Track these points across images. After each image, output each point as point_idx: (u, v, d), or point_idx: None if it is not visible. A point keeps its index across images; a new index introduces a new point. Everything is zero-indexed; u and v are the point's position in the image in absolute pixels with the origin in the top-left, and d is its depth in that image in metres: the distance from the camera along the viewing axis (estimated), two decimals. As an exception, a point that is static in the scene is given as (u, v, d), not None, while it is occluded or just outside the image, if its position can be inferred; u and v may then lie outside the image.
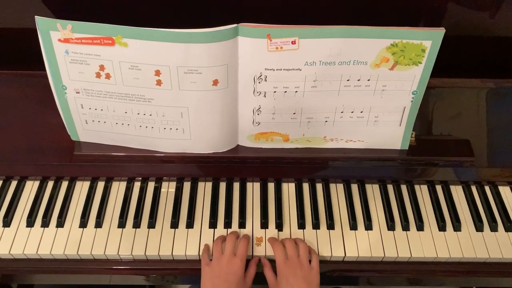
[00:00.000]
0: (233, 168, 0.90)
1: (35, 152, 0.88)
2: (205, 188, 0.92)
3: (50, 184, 0.91)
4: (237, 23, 0.67)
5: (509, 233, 0.87)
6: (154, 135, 0.83)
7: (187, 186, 0.92)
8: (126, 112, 0.80)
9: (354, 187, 0.93)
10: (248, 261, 0.81)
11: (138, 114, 0.80)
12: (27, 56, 0.76)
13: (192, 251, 0.82)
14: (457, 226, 0.87)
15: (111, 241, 0.83)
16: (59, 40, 0.70)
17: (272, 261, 0.81)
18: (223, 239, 0.82)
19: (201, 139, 0.84)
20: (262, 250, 0.83)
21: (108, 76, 0.74)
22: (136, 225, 0.86)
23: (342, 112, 0.81)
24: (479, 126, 0.89)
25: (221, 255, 0.79)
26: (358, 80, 0.76)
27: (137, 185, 0.92)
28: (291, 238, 0.84)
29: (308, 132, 0.85)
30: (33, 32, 0.69)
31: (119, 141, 0.86)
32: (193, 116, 0.79)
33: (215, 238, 0.84)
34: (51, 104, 0.80)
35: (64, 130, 0.85)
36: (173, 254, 0.82)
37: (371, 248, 0.84)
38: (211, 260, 0.80)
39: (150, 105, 0.78)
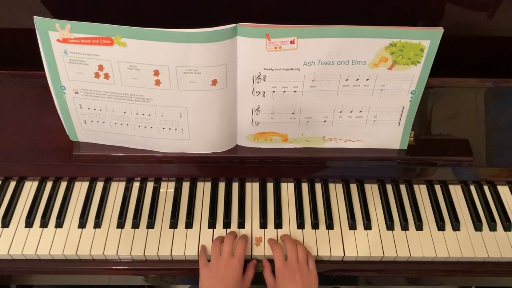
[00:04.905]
0: (232, 168, 0.90)
1: (33, 152, 0.87)
2: (204, 188, 0.91)
3: (49, 185, 0.91)
4: (236, 23, 0.68)
5: (508, 232, 0.87)
6: (153, 135, 0.83)
7: (186, 186, 0.92)
8: (125, 112, 0.80)
9: (353, 187, 0.93)
10: (247, 262, 0.81)
11: (137, 114, 0.80)
12: (25, 56, 0.76)
13: (191, 251, 0.82)
14: (456, 226, 0.87)
15: (110, 242, 0.83)
16: (58, 40, 0.70)
17: (271, 261, 0.80)
18: (221, 240, 0.82)
19: (200, 139, 0.84)
20: (261, 250, 0.83)
21: (107, 76, 0.74)
22: (135, 225, 0.85)
23: (341, 112, 0.81)
24: (478, 125, 0.89)
25: (219, 256, 0.79)
26: (357, 80, 0.76)
27: (136, 185, 0.92)
28: (290, 237, 0.84)
29: (307, 132, 0.85)
30: (32, 32, 0.69)
31: (118, 141, 0.86)
32: (192, 116, 0.79)
33: (214, 239, 0.84)
34: (49, 104, 0.80)
35: (63, 130, 0.85)
36: (172, 254, 0.82)
37: (370, 247, 0.84)
38: (209, 261, 0.80)
39: (149, 105, 0.78)
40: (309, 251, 0.82)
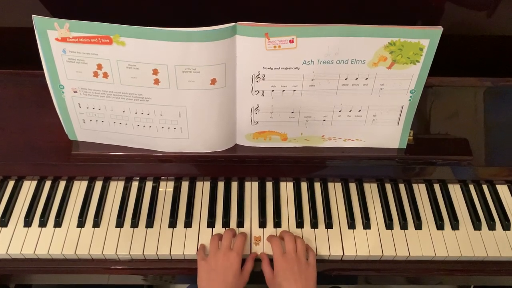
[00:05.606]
0: (231, 167, 0.90)
1: (32, 151, 0.87)
2: (203, 188, 0.91)
3: (48, 184, 0.91)
4: (235, 22, 0.67)
5: (506, 231, 0.87)
6: (152, 134, 0.83)
7: (185, 185, 0.92)
8: (123, 111, 0.80)
9: (352, 186, 0.93)
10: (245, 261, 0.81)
11: (136, 113, 0.79)
12: (24, 55, 0.76)
13: (190, 251, 0.82)
14: (455, 225, 0.87)
15: (109, 241, 0.83)
16: (57, 39, 0.69)
17: (271, 259, 0.80)
18: (220, 236, 0.82)
19: (199, 138, 0.84)
20: (260, 249, 0.83)
21: (105, 75, 0.73)
22: (134, 224, 0.85)
23: (340, 111, 0.81)
24: (477, 125, 0.89)
25: (218, 250, 0.79)
26: (356, 79, 0.76)
27: (135, 184, 0.92)
28: (289, 232, 0.84)
29: (306, 131, 0.85)
30: (31, 32, 0.69)
31: (117, 141, 0.86)
32: (191, 115, 0.79)
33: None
34: (48, 103, 0.80)
35: (62, 129, 0.85)
36: (171, 253, 0.82)
37: (369, 247, 0.84)
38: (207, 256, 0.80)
39: (148, 104, 0.77)
40: (310, 246, 0.82)
